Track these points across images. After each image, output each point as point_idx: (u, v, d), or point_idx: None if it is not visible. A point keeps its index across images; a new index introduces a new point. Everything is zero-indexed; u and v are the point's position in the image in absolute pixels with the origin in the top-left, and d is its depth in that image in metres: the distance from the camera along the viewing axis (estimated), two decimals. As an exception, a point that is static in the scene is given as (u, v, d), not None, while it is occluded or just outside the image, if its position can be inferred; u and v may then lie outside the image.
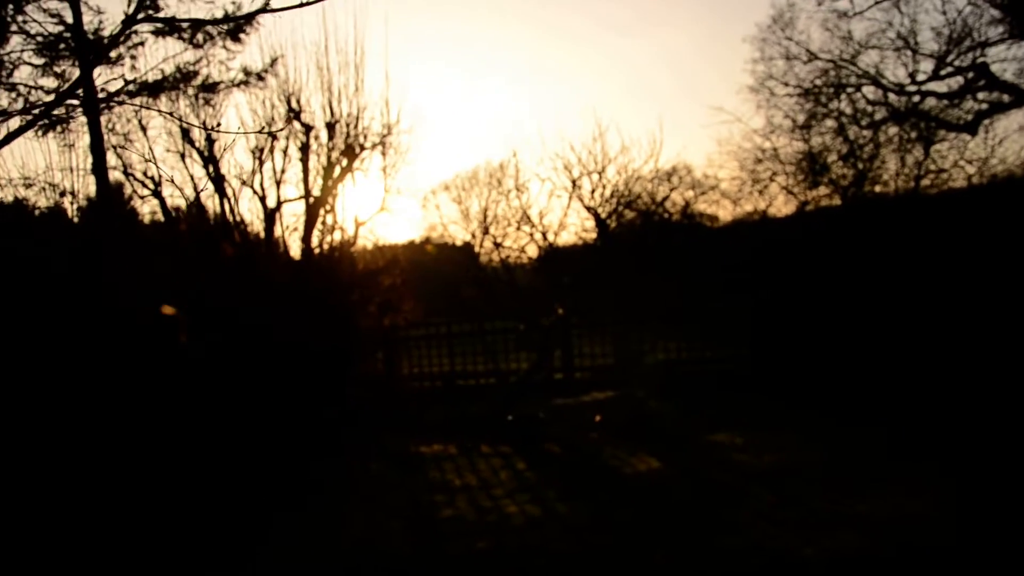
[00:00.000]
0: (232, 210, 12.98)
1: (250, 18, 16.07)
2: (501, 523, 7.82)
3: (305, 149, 12.90)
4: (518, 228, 14.08)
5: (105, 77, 16.99)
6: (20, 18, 15.19)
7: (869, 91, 18.94)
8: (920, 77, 18.37)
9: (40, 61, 15.73)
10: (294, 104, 12.79)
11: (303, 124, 12.84)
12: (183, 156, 12.91)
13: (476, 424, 13.31)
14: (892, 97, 18.62)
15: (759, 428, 11.27)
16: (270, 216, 13.00)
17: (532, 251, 14.42)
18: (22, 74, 15.64)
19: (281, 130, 12.79)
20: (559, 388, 14.81)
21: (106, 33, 15.83)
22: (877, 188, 17.27)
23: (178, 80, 15.02)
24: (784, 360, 14.33)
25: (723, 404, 13.31)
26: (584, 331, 16.38)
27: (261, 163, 12.94)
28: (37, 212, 13.58)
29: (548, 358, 14.17)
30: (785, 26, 19.72)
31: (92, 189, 15.27)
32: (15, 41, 15.53)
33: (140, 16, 15.97)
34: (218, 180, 12.88)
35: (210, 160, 12.78)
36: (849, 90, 18.96)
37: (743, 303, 16.24)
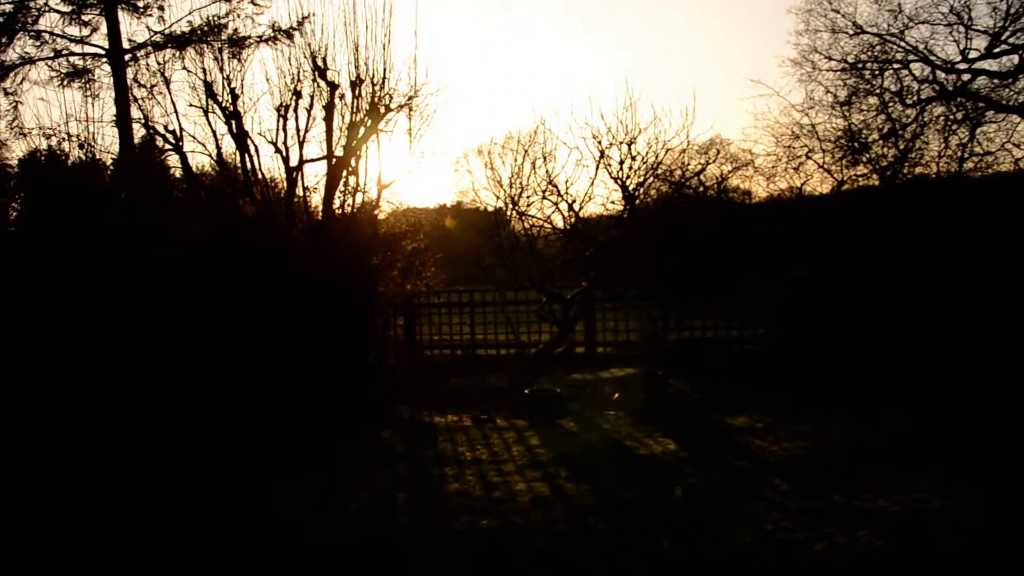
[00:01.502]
0: (254, 168, 12.75)
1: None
2: (507, 500, 7.60)
3: (329, 108, 12.60)
4: (543, 197, 13.71)
5: (132, 27, 17.00)
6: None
7: (916, 68, 18.22)
8: (972, 55, 17.64)
9: (67, 8, 15.73)
10: (319, 62, 12.46)
11: (328, 82, 12.52)
12: (206, 112, 12.68)
13: (493, 396, 13.13)
14: (940, 75, 17.91)
15: (782, 412, 10.94)
16: (291, 175, 12.75)
17: (558, 221, 14.05)
18: (49, 21, 15.57)
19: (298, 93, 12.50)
20: (580, 362, 14.57)
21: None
22: (918, 169, 16.68)
23: (206, 33, 14.88)
24: (815, 341, 13.97)
25: (747, 385, 13.03)
26: (608, 305, 16.10)
27: (285, 121, 12.66)
28: (70, 163, 13.51)
29: (569, 331, 13.88)
30: (833, -2, 19.05)
31: (109, 140, 15.27)
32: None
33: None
34: (240, 137, 12.65)
35: (233, 116, 12.54)
36: (895, 66, 18.26)
37: (774, 283, 15.85)
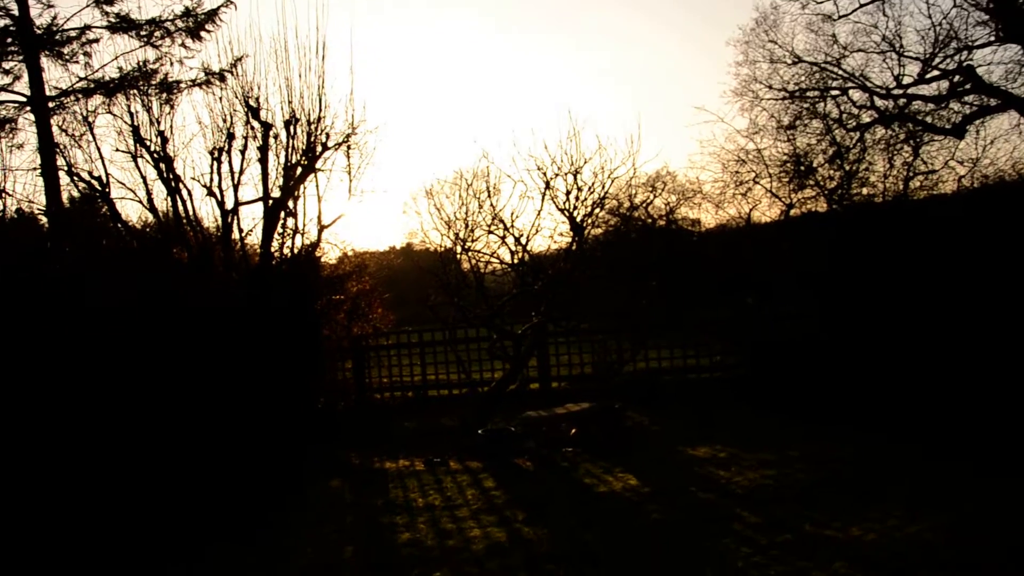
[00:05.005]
0: (187, 212, 12.26)
1: (212, 15, 15.60)
2: (462, 549, 7.15)
3: (264, 149, 12.21)
4: (490, 232, 13.39)
5: (57, 74, 16.45)
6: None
7: (855, 95, 18.46)
8: (906, 80, 17.91)
9: (-18, 56, 15.13)
10: (252, 102, 12.11)
11: (262, 123, 12.16)
12: (135, 156, 12.23)
13: (446, 437, 12.67)
14: (878, 100, 18.13)
15: (743, 441, 10.66)
16: (227, 219, 12.29)
17: (506, 256, 13.73)
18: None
19: (231, 135, 12.09)
20: (534, 399, 14.20)
21: (57, 27, 15.30)
22: (864, 190, 16.74)
23: (136, 79, 14.38)
24: (769, 370, 13.78)
25: (705, 414, 12.73)
26: (561, 339, 15.79)
27: (219, 163, 12.25)
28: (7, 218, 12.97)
29: (522, 367, 13.50)
30: (769, 29, 19.26)
31: (34, 190, 14.66)
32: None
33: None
34: (172, 181, 12.18)
35: (163, 160, 12.08)
36: (835, 93, 18.46)
37: (727, 311, 15.69)
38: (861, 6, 18.24)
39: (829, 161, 17.53)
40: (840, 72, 18.52)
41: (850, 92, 18.48)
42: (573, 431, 11.63)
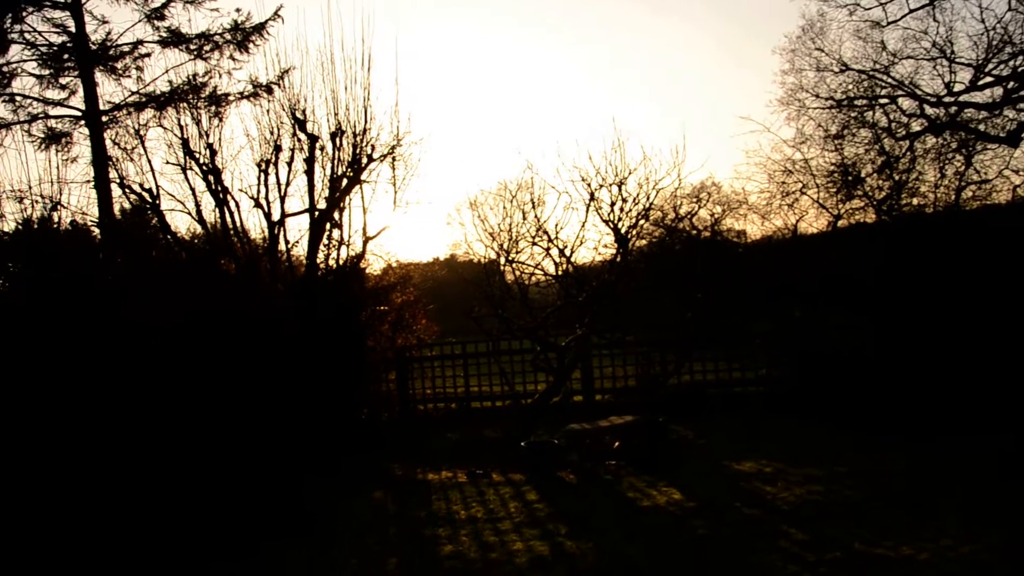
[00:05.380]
0: (235, 224, 12.43)
1: (260, 28, 15.85)
2: (505, 563, 7.11)
3: (310, 161, 12.34)
4: (534, 243, 13.38)
5: (110, 89, 16.85)
6: (20, 28, 15.00)
7: (905, 102, 18.12)
8: (957, 87, 17.53)
9: (43, 72, 15.51)
10: (299, 115, 12.25)
11: (308, 135, 12.29)
12: (184, 169, 12.43)
13: (489, 449, 12.65)
14: (929, 108, 17.79)
15: (789, 455, 10.49)
16: (274, 230, 12.43)
17: (550, 267, 13.70)
18: (24, 85, 15.37)
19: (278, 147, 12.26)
20: (577, 411, 14.10)
21: (111, 43, 15.64)
22: (914, 200, 16.41)
23: (186, 92, 14.63)
24: (817, 381, 13.56)
25: (750, 428, 12.55)
26: (605, 351, 15.70)
27: (266, 175, 12.41)
28: (62, 229, 13.24)
29: (565, 380, 13.44)
30: (815, 37, 18.98)
31: (88, 202, 14.99)
32: (15, 51, 15.37)
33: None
34: (220, 193, 12.35)
35: (211, 172, 12.25)
36: (883, 101, 18.13)
37: (774, 323, 15.49)
38: (911, 11, 17.91)
39: (878, 171, 17.24)
40: (889, 80, 18.23)
41: (899, 100, 18.16)
42: (617, 444, 11.54)
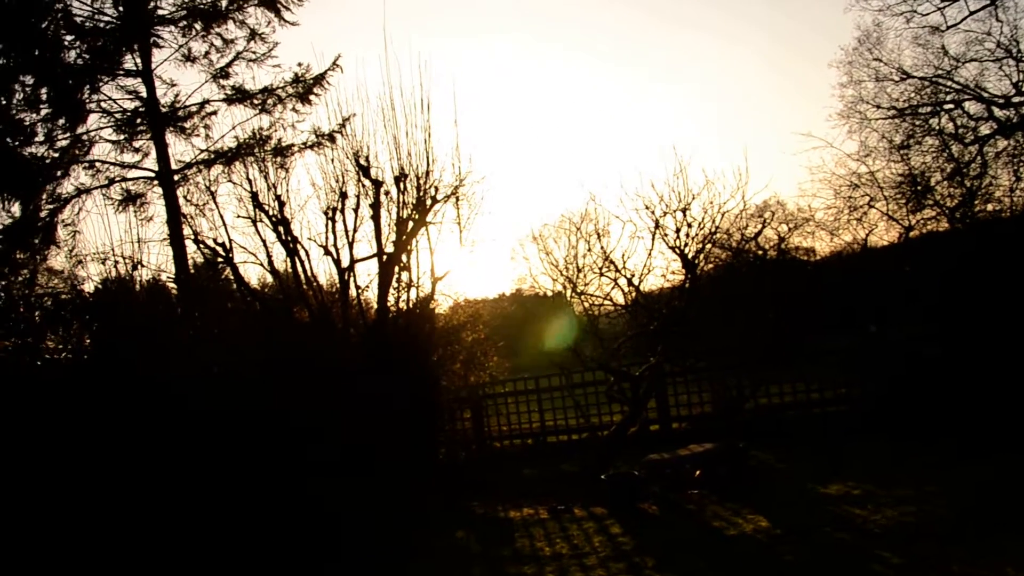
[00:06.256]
0: (306, 273, 12.69)
1: (320, 79, 16.28)
2: (593, 599, 7.07)
3: (376, 206, 12.55)
4: (601, 275, 13.37)
5: (180, 148, 17.46)
6: (96, 97, 15.65)
7: (971, 106, 17.76)
8: (1027, 87, 17.14)
9: (117, 137, 16.14)
10: (362, 161, 12.48)
11: (372, 180, 12.51)
12: (254, 222, 12.75)
13: (568, 484, 12.60)
14: (997, 110, 17.40)
15: (876, 476, 10.23)
16: (344, 276, 12.66)
17: (618, 297, 13.66)
18: (101, 150, 16.02)
19: (343, 194, 12.53)
20: (655, 441, 13.99)
21: (180, 105, 16.23)
22: (989, 206, 16.03)
23: (252, 146, 15.06)
24: (898, 398, 13.25)
25: (833, 450, 12.28)
26: (679, 378, 15.56)
27: (333, 223, 12.65)
28: (138, 287, 13.73)
29: (641, 410, 13.33)
30: (872, 47, 18.78)
31: (164, 259, 15.51)
32: (92, 119, 16.03)
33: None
34: (290, 243, 12.64)
35: (281, 223, 12.55)
36: (948, 106, 17.82)
37: (849, 340, 15.20)
38: (971, 14, 17.62)
39: (948, 178, 16.91)
40: (953, 84, 17.91)
41: (965, 104, 17.82)
42: (697, 473, 11.41)
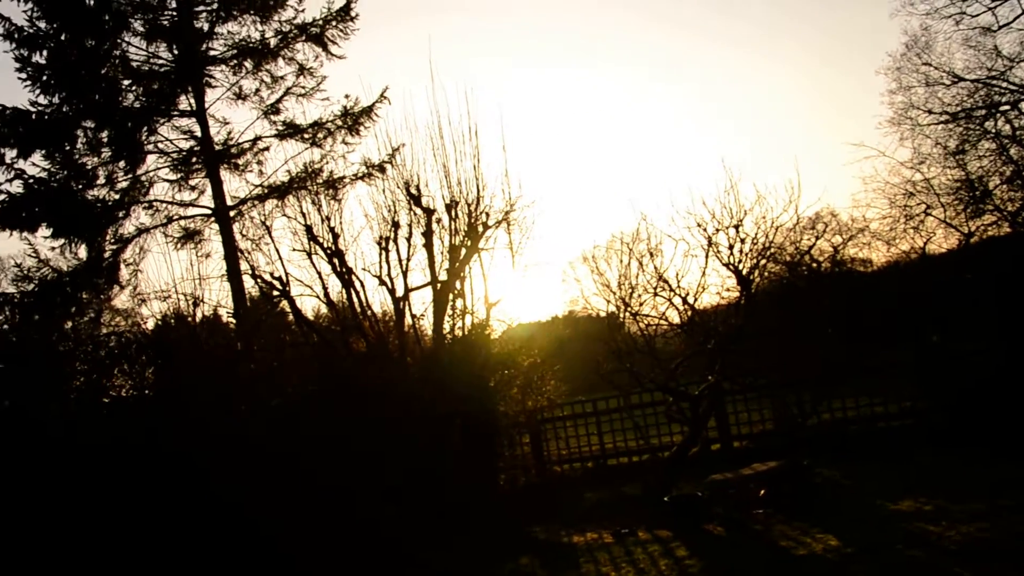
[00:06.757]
0: (361, 303, 12.84)
1: (368, 111, 16.54)
2: (662, 624, 7.00)
3: (428, 234, 12.68)
4: (655, 295, 13.31)
5: (234, 184, 17.89)
6: (153, 138, 16.09)
7: (1028, 106, 17.41)
8: (1085, 84, 16.76)
9: (174, 176, 16.57)
10: (413, 190, 12.63)
11: (424, 209, 12.65)
12: (309, 254, 12.98)
13: (631, 507, 12.51)
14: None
15: (947, 491, 9.98)
16: (398, 305, 12.78)
17: (674, 317, 13.57)
18: (158, 190, 16.46)
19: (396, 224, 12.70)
20: (716, 461, 13.84)
21: (233, 142, 16.62)
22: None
23: (304, 180, 15.34)
24: (964, 410, 12.93)
25: (900, 465, 12.02)
26: (738, 396, 15.37)
27: (386, 252, 12.80)
28: (200, 321, 14.07)
29: (702, 429, 13.20)
30: (921, 51, 18.55)
31: (223, 294, 15.87)
32: (150, 160, 16.49)
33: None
34: (345, 274, 12.81)
35: (335, 255, 12.74)
36: (1004, 108, 17.48)
37: (910, 351, 14.90)
38: (1024, 12, 17.31)
39: (1007, 182, 16.57)
40: (1007, 85, 17.58)
41: (1022, 105, 17.48)
42: (762, 492, 11.25)
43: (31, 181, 15.27)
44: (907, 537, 8.43)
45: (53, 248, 15.63)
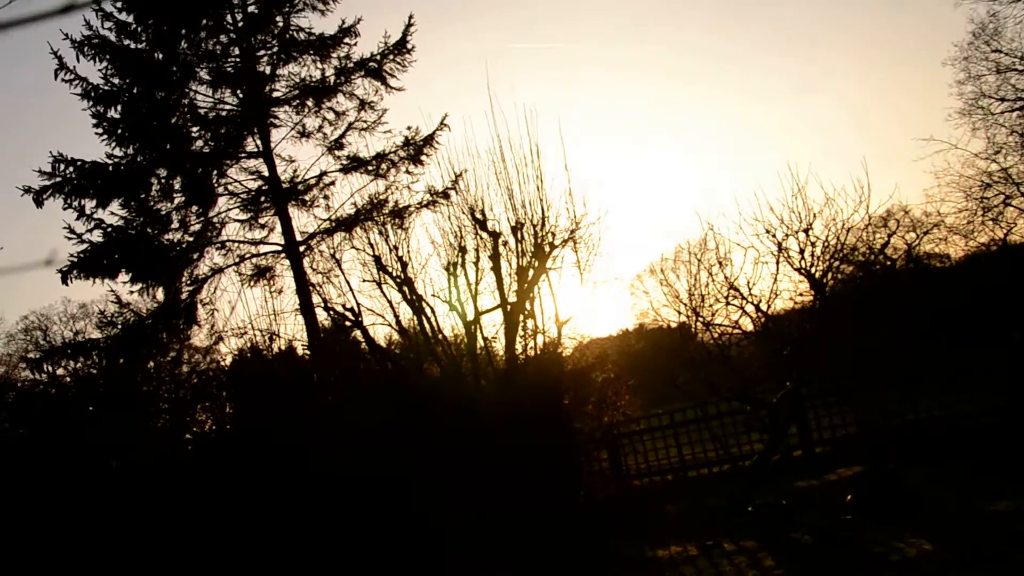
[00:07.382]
0: (432, 329, 12.99)
1: (429, 139, 16.77)
2: (756, 636, 6.90)
3: (495, 257, 12.78)
4: (727, 303, 13.18)
5: (303, 220, 18.28)
6: (223, 180, 16.55)
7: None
8: None
9: (244, 215, 16.99)
10: (478, 215, 12.76)
11: (490, 233, 12.76)
12: (379, 284, 13.19)
13: (713, 518, 12.35)
14: None
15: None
16: (470, 329, 12.90)
17: (746, 324, 13.42)
18: (230, 230, 16.90)
19: (463, 249, 12.84)
20: (799, 468, 13.62)
21: (299, 179, 17.00)
22: None
23: (370, 211, 15.61)
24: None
25: (993, 465, 11.64)
26: (818, 401, 15.10)
27: (455, 277, 12.94)
28: (270, 355, 14.43)
29: (782, 437, 13.00)
30: (990, 39, 18.11)
31: (297, 328, 16.21)
32: (221, 202, 16.95)
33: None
34: (415, 302, 12.97)
35: (405, 283, 12.92)
36: (1081, 90, 16.97)
37: (994, 349, 14.47)
38: (1100, -12, 16.80)
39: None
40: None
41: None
42: (848, 498, 11.02)
43: (109, 229, 15.80)
44: (1008, 538, 8.16)
45: (132, 292, 16.14)
